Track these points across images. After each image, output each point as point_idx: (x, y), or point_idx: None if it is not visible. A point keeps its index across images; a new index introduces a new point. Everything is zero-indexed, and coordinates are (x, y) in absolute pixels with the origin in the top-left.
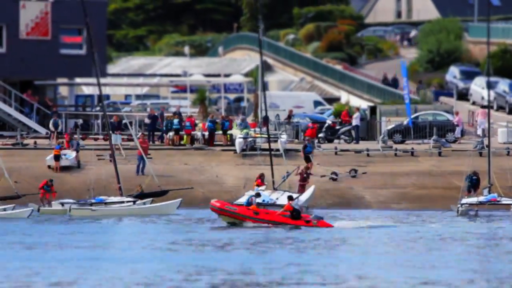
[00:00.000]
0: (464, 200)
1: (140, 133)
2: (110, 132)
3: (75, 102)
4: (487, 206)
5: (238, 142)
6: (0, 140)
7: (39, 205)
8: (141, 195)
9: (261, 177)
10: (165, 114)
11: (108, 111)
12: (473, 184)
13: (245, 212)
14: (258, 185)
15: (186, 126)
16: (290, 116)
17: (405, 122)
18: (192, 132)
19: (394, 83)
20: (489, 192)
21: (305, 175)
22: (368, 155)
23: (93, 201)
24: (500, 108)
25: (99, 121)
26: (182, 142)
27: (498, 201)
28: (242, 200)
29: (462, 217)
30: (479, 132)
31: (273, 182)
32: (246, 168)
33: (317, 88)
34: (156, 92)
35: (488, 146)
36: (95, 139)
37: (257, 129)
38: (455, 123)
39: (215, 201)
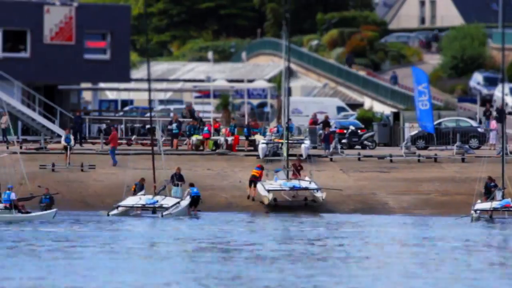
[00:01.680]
0: (477, 206)
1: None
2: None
3: (99, 107)
4: (500, 212)
5: (261, 147)
6: (23, 144)
7: None
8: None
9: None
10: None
11: (131, 116)
12: (488, 190)
13: None
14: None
15: (204, 130)
16: (326, 121)
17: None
18: (213, 138)
19: (395, 80)
20: (503, 197)
21: (298, 167)
22: (391, 161)
23: None
24: None
25: (123, 126)
26: (201, 148)
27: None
28: None
29: (475, 222)
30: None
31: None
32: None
33: (340, 94)
34: (180, 97)
35: (502, 151)
36: (118, 144)
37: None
38: (491, 127)
39: None
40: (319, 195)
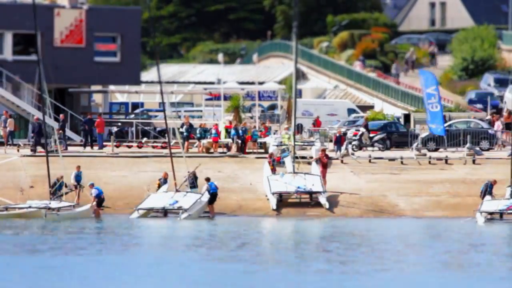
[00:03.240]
0: (483, 208)
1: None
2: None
3: (110, 109)
4: (506, 214)
5: (272, 149)
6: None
7: None
8: None
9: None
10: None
11: (142, 118)
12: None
13: None
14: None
15: (213, 134)
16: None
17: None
18: (222, 141)
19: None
20: (511, 196)
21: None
22: (402, 162)
23: None
24: None
25: (133, 128)
26: (211, 151)
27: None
28: None
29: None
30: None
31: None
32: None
33: (351, 96)
34: (190, 99)
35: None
36: (129, 147)
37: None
38: (496, 129)
39: None
40: (323, 201)
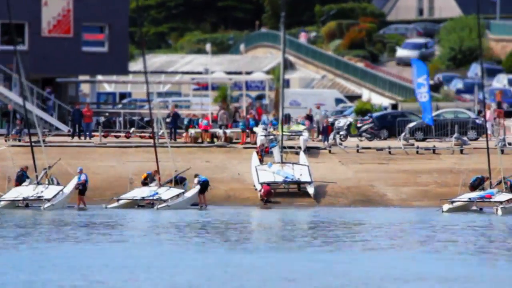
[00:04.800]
0: (457, 198)
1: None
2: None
3: (97, 99)
4: (475, 204)
5: (260, 139)
6: (22, 137)
7: None
8: None
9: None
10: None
11: (129, 108)
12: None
13: None
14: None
15: (204, 123)
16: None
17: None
18: (211, 130)
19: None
20: (490, 186)
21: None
22: (390, 152)
23: None
24: None
25: (121, 118)
26: (199, 140)
27: (489, 198)
28: None
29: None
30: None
31: None
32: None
33: (339, 86)
34: (178, 89)
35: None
36: (117, 137)
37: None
38: (487, 119)
39: None
40: (311, 191)
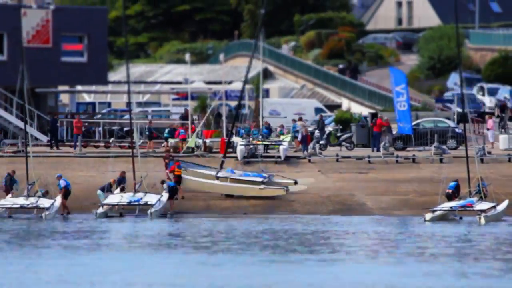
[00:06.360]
0: (439, 207)
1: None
2: None
3: (76, 109)
4: (456, 212)
5: (240, 149)
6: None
7: None
8: None
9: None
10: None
11: (109, 119)
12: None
13: None
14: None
15: (180, 132)
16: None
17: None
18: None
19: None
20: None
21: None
22: (369, 162)
23: None
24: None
25: (100, 128)
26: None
27: (470, 207)
28: None
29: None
30: (491, 139)
31: None
32: None
33: (318, 95)
34: (157, 99)
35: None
36: (96, 147)
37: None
38: (487, 128)
39: None
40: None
